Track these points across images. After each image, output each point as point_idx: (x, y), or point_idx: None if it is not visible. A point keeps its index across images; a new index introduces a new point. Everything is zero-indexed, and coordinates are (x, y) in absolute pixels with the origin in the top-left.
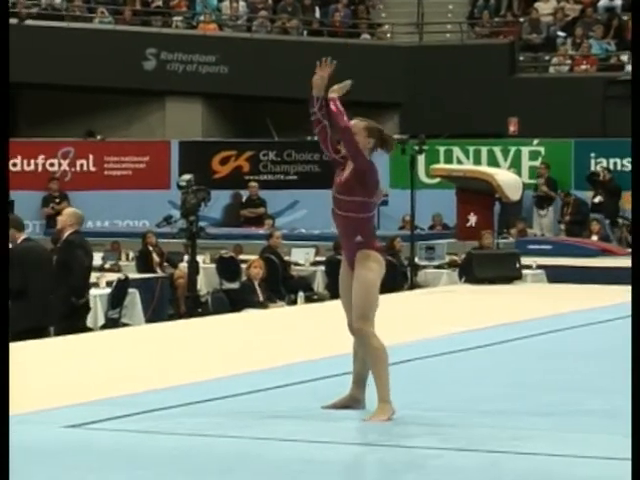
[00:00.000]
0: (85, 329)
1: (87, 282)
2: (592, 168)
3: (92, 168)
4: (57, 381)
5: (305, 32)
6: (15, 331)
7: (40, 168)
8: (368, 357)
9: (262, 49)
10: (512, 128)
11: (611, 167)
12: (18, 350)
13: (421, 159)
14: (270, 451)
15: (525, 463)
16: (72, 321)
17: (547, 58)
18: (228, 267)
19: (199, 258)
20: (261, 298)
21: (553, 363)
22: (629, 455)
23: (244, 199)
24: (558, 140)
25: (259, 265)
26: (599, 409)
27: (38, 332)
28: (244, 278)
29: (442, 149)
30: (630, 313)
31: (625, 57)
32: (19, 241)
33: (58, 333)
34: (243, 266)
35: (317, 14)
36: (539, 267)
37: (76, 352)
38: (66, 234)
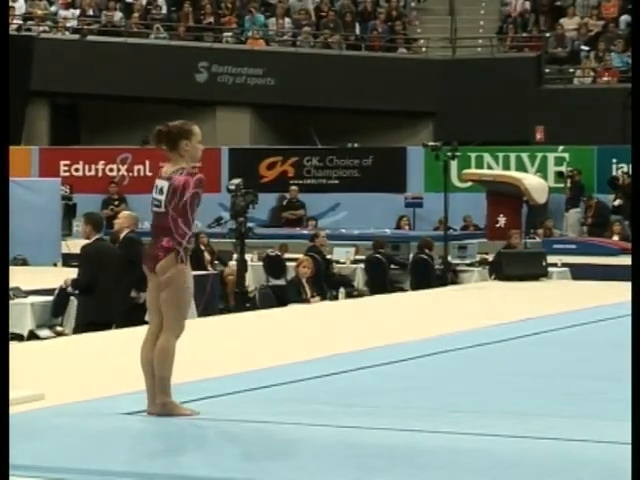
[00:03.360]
0: (143, 323)
1: None
2: (614, 173)
3: (148, 173)
4: (117, 370)
5: (346, 47)
6: (81, 323)
7: (100, 173)
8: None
9: (306, 62)
10: (539, 136)
11: (631, 172)
12: (82, 341)
13: (454, 164)
14: (309, 434)
15: (548, 448)
16: (134, 316)
17: (571, 70)
18: (274, 265)
19: (247, 256)
20: (308, 295)
21: (579, 354)
22: None
23: (285, 202)
24: (582, 147)
25: (308, 265)
26: (623, 397)
27: (102, 325)
28: (292, 275)
29: (473, 155)
30: None
31: None
32: (92, 240)
33: (119, 327)
34: (288, 264)
35: (357, 30)
36: (564, 265)
37: (133, 343)
38: (124, 234)
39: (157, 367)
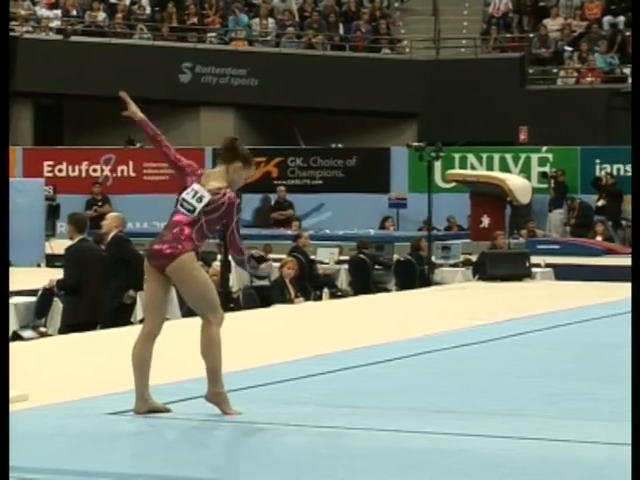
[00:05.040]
0: (128, 323)
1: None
2: (597, 174)
3: (132, 174)
4: (102, 370)
5: (329, 47)
6: (67, 325)
7: (84, 174)
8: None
9: (289, 63)
10: (522, 136)
11: (614, 173)
12: (66, 341)
13: (438, 165)
14: (290, 436)
15: (533, 448)
16: (120, 315)
17: (555, 71)
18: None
19: (231, 257)
20: (292, 295)
21: (563, 354)
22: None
23: (273, 202)
24: (565, 147)
25: (292, 266)
26: (607, 397)
27: (88, 326)
28: (276, 276)
29: (457, 156)
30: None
31: (628, 70)
32: (76, 241)
33: (105, 327)
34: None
35: (341, 30)
36: (548, 265)
37: (118, 344)
38: (112, 234)
39: (206, 358)
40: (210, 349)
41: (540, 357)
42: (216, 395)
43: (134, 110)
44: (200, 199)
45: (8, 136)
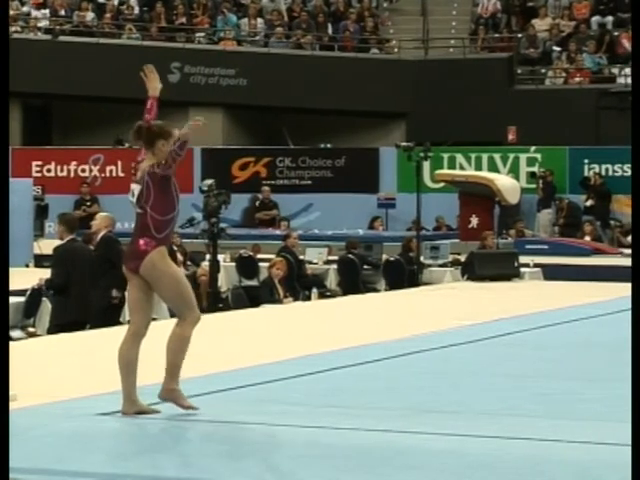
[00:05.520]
0: (117, 323)
1: None
2: (585, 174)
3: (121, 174)
4: (91, 371)
5: (318, 47)
6: (55, 324)
7: (72, 174)
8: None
9: (278, 63)
10: (511, 136)
11: (603, 173)
12: (55, 341)
13: (426, 165)
14: (281, 436)
15: (521, 448)
16: (109, 315)
17: (543, 71)
18: (247, 265)
19: (220, 257)
20: (281, 295)
21: (551, 354)
22: (622, 440)
23: (258, 202)
24: (554, 147)
25: (282, 267)
26: (595, 397)
27: (77, 326)
28: (265, 276)
29: (446, 156)
30: (623, 308)
31: (616, 70)
32: (65, 240)
33: (94, 327)
34: (261, 264)
35: (329, 30)
36: (536, 265)
37: (107, 344)
38: (101, 234)
39: (171, 354)
40: (178, 345)
41: (529, 357)
42: (171, 392)
43: (156, 86)
44: (133, 194)
45: (8, 136)
